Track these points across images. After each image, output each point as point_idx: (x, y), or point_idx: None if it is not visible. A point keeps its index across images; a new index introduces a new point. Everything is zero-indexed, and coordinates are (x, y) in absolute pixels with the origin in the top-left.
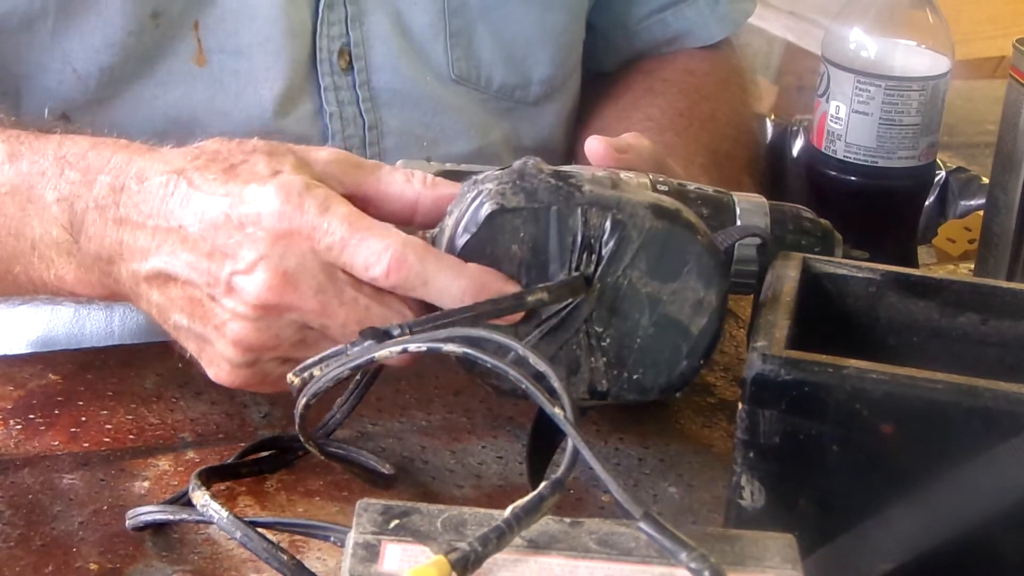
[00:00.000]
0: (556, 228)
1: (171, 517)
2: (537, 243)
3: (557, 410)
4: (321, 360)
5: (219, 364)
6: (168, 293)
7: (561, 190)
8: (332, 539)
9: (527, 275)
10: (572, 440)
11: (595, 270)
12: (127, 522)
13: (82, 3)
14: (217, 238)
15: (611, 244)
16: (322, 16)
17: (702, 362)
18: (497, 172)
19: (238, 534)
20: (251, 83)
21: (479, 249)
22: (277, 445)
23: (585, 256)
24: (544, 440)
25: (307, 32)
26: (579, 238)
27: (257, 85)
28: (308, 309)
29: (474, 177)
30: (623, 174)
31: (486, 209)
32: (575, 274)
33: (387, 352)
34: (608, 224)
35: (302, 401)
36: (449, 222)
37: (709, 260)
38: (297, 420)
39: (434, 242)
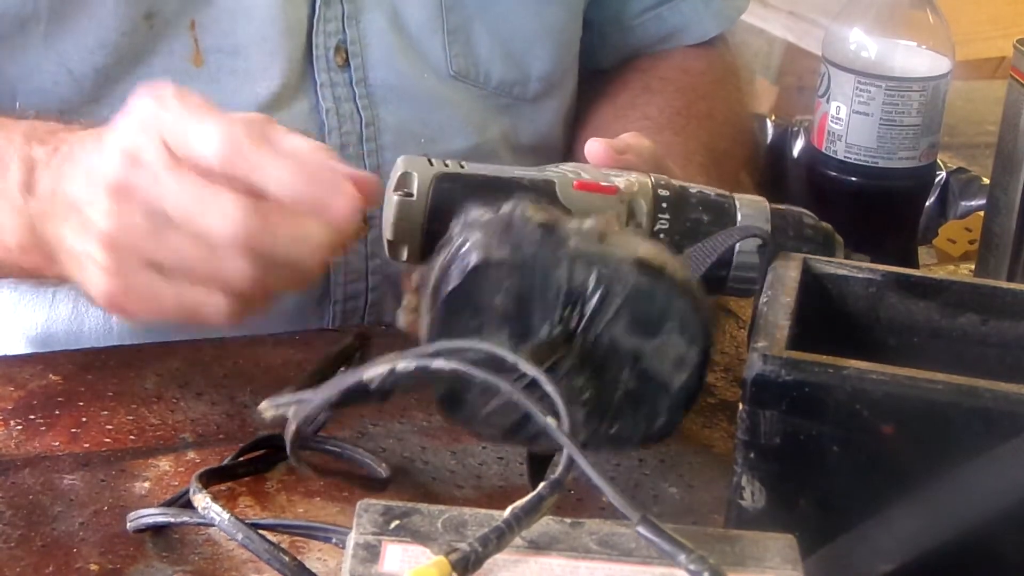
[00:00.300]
0: (540, 281)
1: (172, 520)
2: (521, 295)
3: (550, 419)
4: (297, 398)
5: (92, 273)
6: (70, 219)
7: (547, 243)
8: (333, 540)
9: (510, 326)
10: (567, 450)
11: (578, 325)
12: (128, 524)
13: (74, 5)
14: (91, 151)
15: (595, 299)
16: (319, 13)
17: (681, 416)
18: (486, 219)
19: (239, 536)
20: (248, 81)
21: (463, 299)
22: (273, 443)
23: (569, 310)
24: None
25: (303, 29)
26: (563, 292)
27: (254, 83)
28: (147, 185)
29: (465, 217)
30: (612, 220)
31: (472, 260)
32: (556, 331)
33: (375, 373)
34: (592, 279)
35: (293, 425)
36: (437, 262)
37: (692, 317)
38: (288, 445)
39: (423, 278)
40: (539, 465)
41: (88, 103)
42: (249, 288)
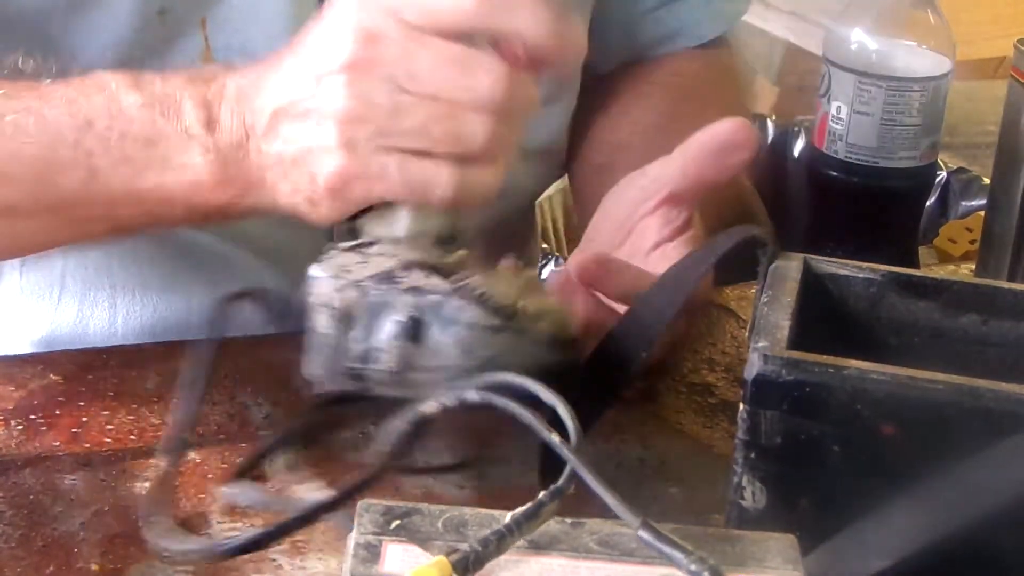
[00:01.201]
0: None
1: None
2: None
3: (555, 436)
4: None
5: (324, 160)
6: (280, 129)
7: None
8: None
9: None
10: (572, 465)
11: None
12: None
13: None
14: (309, 48)
15: None
16: None
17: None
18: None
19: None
20: None
21: None
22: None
23: None
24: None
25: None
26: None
27: None
28: (392, 59)
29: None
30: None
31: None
32: None
33: (430, 407)
34: None
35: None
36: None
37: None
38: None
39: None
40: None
41: None
42: (482, 153)
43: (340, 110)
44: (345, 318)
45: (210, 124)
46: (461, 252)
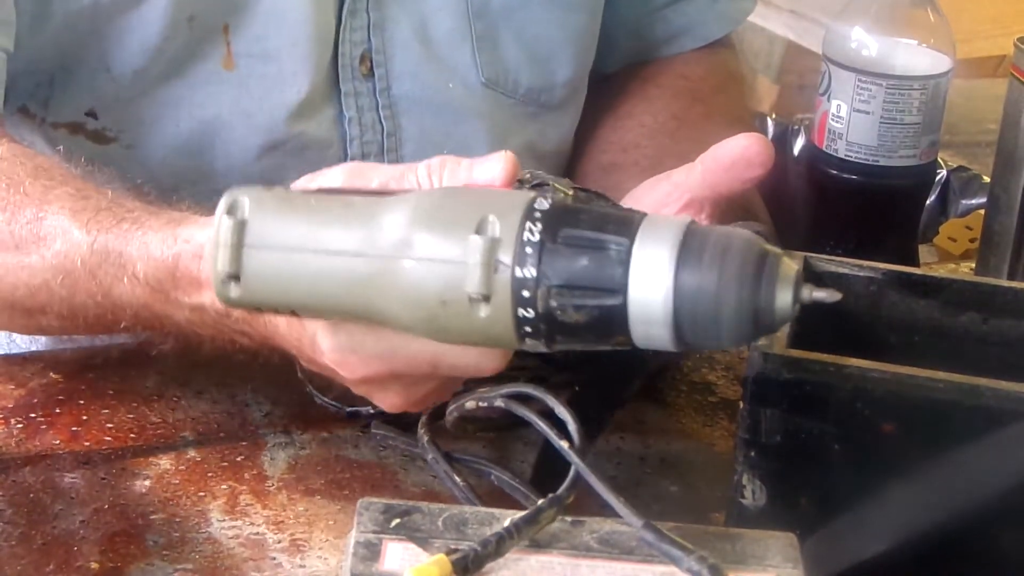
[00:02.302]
0: None
1: None
2: None
3: (564, 443)
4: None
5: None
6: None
7: None
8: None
9: None
10: (577, 468)
11: None
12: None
13: (127, 3)
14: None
15: None
16: (344, 22)
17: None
18: None
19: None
20: (276, 86)
21: None
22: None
23: None
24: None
25: (332, 37)
26: None
27: (282, 88)
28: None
29: None
30: None
31: None
32: None
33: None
34: None
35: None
36: None
37: None
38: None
39: None
40: (544, 467)
41: (121, 102)
42: None
43: (390, 406)
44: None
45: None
46: None
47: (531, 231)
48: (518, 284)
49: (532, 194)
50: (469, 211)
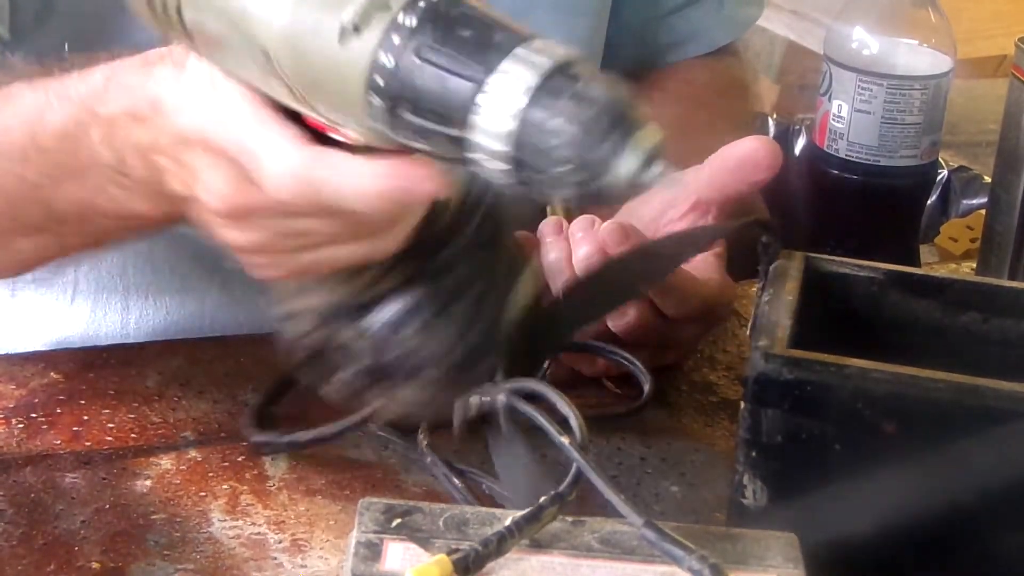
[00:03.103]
0: None
1: None
2: None
3: (565, 439)
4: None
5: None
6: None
7: None
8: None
9: None
10: (579, 465)
11: None
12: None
13: None
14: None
15: None
16: None
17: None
18: None
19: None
20: None
21: None
22: None
23: None
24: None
25: None
26: None
27: None
28: (269, 215)
29: None
30: None
31: None
32: None
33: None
34: None
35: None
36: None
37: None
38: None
39: None
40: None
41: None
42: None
43: (239, 247)
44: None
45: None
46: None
47: None
48: (394, 28)
49: None
50: None
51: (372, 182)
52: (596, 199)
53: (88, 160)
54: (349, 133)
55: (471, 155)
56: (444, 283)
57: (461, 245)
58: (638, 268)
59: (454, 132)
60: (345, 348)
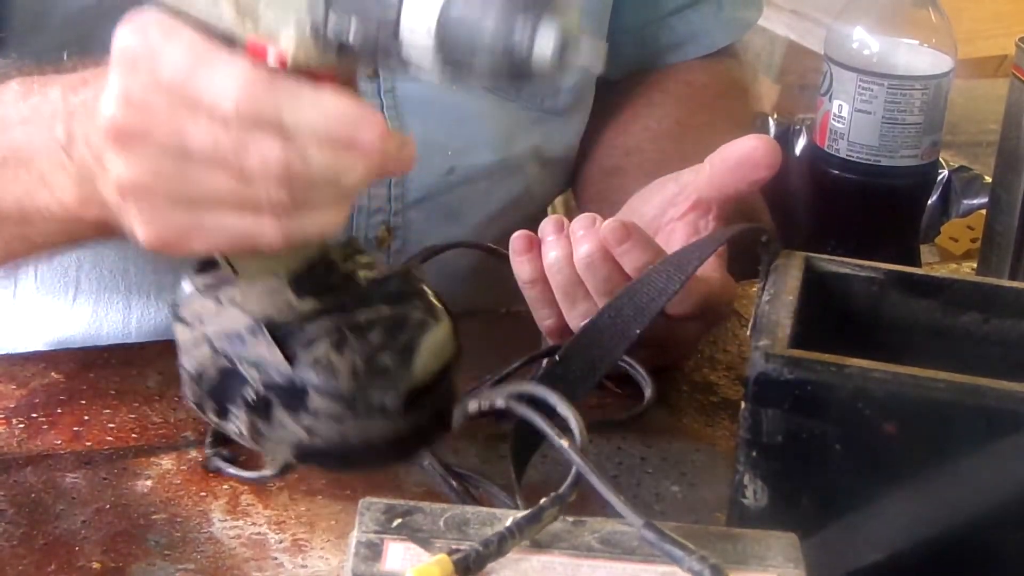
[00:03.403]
0: None
1: None
2: None
3: (564, 441)
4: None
5: (128, 221)
6: (96, 170)
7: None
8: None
9: None
10: (578, 467)
11: None
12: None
13: (129, 3)
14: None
15: None
16: None
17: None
18: None
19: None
20: None
21: None
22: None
23: None
24: (525, 441)
25: None
26: None
27: None
28: (164, 133)
29: None
30: None
31: None
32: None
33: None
34: None
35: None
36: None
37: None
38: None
39: None
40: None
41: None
42: (293, 213)
43: (118, 182)
44: (198, 376)
45: (71, 138)
46: (312, 303)
47: None
48: None
49: None
50: None
51: (333, 99)
52: (528, 82)
53: (43, 132)
54: (287, 51)
55: (404, 54)
56: (349, 320)
57: (367, 294)
58: (629, 312)
59: (384, 35)
60: (236, 373)
